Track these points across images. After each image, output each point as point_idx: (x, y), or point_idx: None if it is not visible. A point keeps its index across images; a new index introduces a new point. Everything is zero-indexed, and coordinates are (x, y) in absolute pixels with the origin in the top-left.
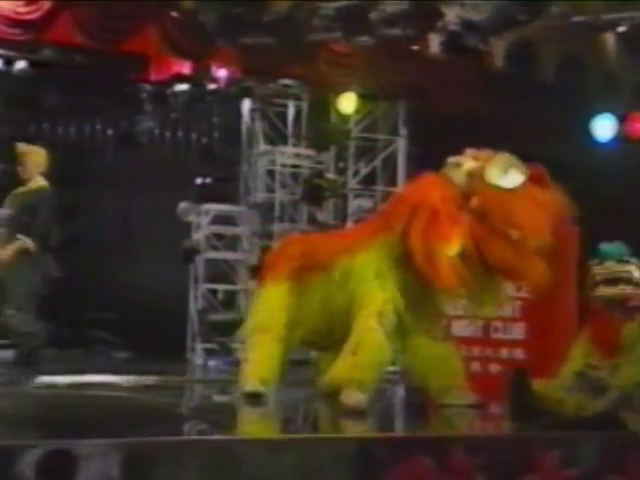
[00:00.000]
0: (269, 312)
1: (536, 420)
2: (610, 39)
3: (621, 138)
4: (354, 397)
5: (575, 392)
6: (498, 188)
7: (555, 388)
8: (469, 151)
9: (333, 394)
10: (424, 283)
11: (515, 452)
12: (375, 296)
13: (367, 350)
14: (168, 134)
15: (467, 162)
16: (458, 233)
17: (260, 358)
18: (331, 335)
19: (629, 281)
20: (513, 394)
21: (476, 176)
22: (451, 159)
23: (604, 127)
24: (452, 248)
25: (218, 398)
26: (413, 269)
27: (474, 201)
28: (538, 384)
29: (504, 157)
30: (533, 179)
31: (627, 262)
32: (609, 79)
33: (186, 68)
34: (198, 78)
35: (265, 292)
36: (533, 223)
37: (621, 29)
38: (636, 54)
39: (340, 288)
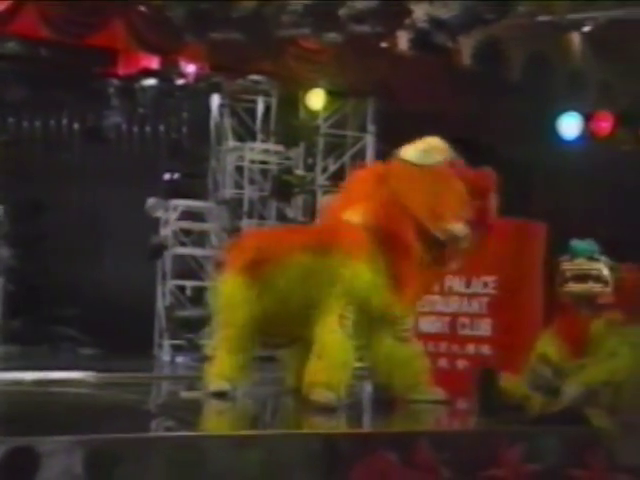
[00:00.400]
0: (230, 306)
1: (503, 416)
2: (576, 39)
3: (587, 136)
4: (324, 394)
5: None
6: (408, 163)
7: (521, 384)
8: None
9: (301, 391)
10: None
11: (479, 447)
12: (337, 299)
13: (330, 352)
14: (136, 129)
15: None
16: (363, 206)
17: (224, 355)
18: (290, 330)
19: (598, 279)
20: (481, 392)
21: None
22: None
23: (570, 125)
24: (352, 215)
25: (185, 394)
26: None
27: (391, 178)
28: (506, 380)
29: (429, 139)
30: (472, 181)
31: (597, 260)
32: (575, 78)
33: (154, 63)
34: (166, 73)
35: (222, 285)
36: (430, 206)
37: (586, 29)
38: (601, 54)
39: (299, 285)
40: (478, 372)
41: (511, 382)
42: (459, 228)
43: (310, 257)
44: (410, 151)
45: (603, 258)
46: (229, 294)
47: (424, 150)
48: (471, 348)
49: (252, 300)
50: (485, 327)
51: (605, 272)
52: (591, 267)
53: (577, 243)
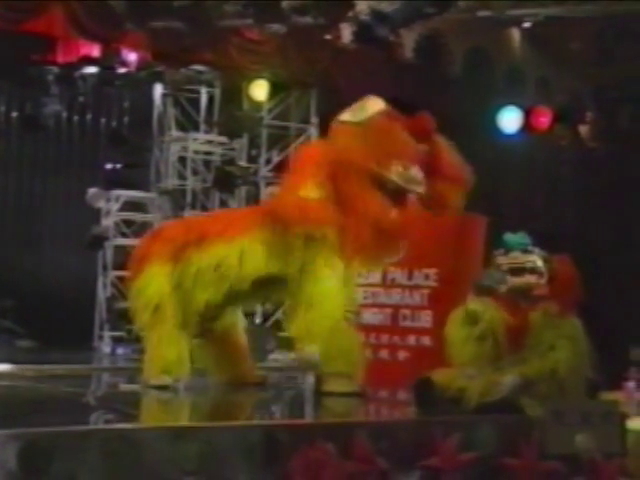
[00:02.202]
0: (159, 296)
1: (440, 410)
2: (515, 34)
3: (526, 130)
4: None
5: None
6: (347, 124)
7: (457, 377)
8: None
9: (230, 381)
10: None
11: (415, 437)
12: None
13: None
14: (76, 118)
15: None
16: (315, 181)
17: (163, 347)
18: (213, 319)
19: (533, 271)
20: (419, 402)
21: None
22: None
23: (510, 120)
24: (308, 192)
25: (125, 387)
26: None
27: (334, 144)
28: (441, 375)
29: (362, 100)
30: (412, 126)
31: (531, 252)
32: (514, 73)
33: (95, 50)
34: (107, 61)
35: (148, 278)
36: (378, 155)
37: (526, 25)
38: (540, 50)
39: (216, 273)
40: (415, 383)
41: (447, 376)
42: (414, 170)
43: (269, 235)
44: (346, 113)
45: (536, 250)
46: (158, 286)
47: (358, 107)
48: (412, 339)
49: (179, 287)
50: (426, 319)
51: (539, 264)
52: (526, 259)
53: (510, 236)
